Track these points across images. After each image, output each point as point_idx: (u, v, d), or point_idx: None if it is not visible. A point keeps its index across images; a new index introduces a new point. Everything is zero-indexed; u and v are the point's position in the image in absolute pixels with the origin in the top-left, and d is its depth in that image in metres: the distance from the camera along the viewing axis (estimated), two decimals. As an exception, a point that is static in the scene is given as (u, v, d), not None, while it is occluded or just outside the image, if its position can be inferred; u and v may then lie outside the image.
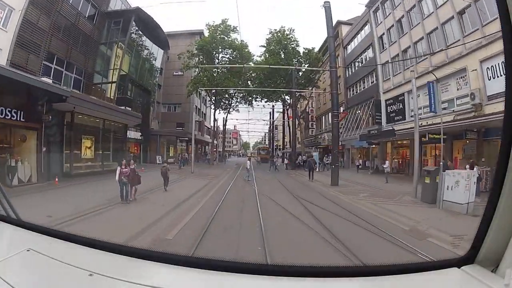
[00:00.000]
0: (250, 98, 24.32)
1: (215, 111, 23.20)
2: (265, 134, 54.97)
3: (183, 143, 23.44)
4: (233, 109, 28.10)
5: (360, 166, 15.48)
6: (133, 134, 17.13)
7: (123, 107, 13.17)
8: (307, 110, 26.57)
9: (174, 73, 22.86)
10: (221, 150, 35.83)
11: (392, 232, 3.82)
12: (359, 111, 17.24)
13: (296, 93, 19.22)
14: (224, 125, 28.92)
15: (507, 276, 0.59)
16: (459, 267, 0.66)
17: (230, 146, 74.85)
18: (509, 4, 0.60)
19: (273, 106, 34.26)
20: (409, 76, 11.36)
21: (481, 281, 0.61)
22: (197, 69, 19.06)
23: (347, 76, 19.44)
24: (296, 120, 20.92)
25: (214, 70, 19.25)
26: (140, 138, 18.04)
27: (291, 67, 17.92)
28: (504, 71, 0.62)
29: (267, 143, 46.43)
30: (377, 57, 15.27)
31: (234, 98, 24.84)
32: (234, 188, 8.72)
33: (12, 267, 0.68)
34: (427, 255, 2.86)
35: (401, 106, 12.94)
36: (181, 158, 17.77)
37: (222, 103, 24.28)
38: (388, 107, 13.95)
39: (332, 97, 11.66)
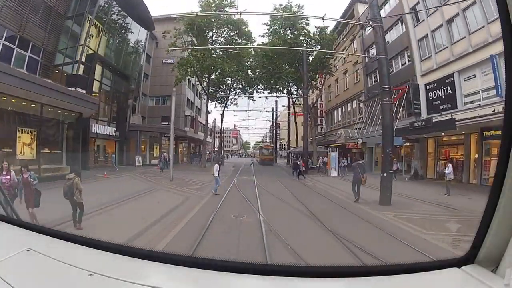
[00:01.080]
0: (250, 89, 24.84)
1: (207, 101, 23.43)
2: (265, 134, 56.69)
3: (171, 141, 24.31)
4: (231, 102, 28.62)
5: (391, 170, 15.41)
6: (104, 129, 17.25)
7: (73, 89, 12.03)
8: (316, 105, 26.97)
9: (164, 61, 23.32)
10: (219, 149, 36.65)
11: None
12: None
13: (309, 80, 19.39)
14: (221, 120, 29.53)
15: (507, 276, 0.74)
16: (459, 267, 0.82)
17: (229, 146, 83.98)
18: (509, 4, 0.76)
19: (276, 101, 36.04)
20: (460, 50, 10.81)
21: (481, 281, 0.76)
22: (187, 52, 19.26)
23: (366, 60, 19.61)
24: (307, 112, 21.10)
25: (207, 51, 19.47)
26: (115, 134, 18.29)
27: (301, 48, 18.14)
28: (504, 71, 0.79)
29: (268, 141, 46.90)
30: (411, 32, 15.16)
31: (232, 90, 25.32)
32: (226, 217, 6.07)
33: (12, 267, 0.85)
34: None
35: (449, 91, 12.36)
36: (163, 158, 17.99)
37: (217, 95, 24.73)
38: (430, 93, 13.58)
39: (379, 64, 9.48)
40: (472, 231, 0.85)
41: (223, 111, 28.57)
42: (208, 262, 0.91)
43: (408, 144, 14.98)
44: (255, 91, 25.21)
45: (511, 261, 0.77)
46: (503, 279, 0.75)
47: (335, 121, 25.89)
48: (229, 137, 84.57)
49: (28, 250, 0.89)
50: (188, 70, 19.56)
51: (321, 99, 26.55)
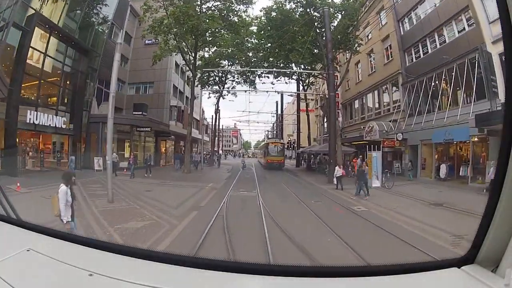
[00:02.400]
0: (252, 75, 25.97)
1: (193, 81, 23.69)
2: (267, 133, 59.34)
3: (150, 137, 24.88)
4: (228, 91, 29.94)
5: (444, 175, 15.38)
6: (48, 119, 17.15)
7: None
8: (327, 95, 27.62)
9: (147, 41, 24.34)
10: (217, 149, 38.37)
11: None
12: (435, 82, 17.44)
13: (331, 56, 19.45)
14: (216, 113, 30.31)
15: (507, 276, 1.01)
16: (459, 267, 1.12)
17: (230, 145, 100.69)
18: (509, 4, 1.03)
19: (282, 95, 37.89)
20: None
21: (481, 281, 1.04)
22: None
23: (401, 33, 20.03)
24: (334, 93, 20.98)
25: (190, 8, 19.50)
26: (68, 127, 18.62)
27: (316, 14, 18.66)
28: (504, 71, 1.05)
29: (269, 137, 47.58)
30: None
31: (228, 76, 26.65)
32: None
33: (12, 267, 1.15)
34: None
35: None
36: (132, 160, 18.39)
37: (210, 78, 25.87)
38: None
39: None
40: (472, 231, 1.14)
41: (218, 101, 29.44)
42: (208, 262, 1.23)
43: (477, 139, 14.40)
44: (257, 76, 26.35)
45: (511, 261, 1.03)
46: (503, 279, 1.00)
47: (358, 114, 26.55)
48: (229, 136, 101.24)
49: (28, 250, 1.21)
50: (162, 32, 19.63)
51: (336, 86, 27.12)
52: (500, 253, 1.07)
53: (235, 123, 68.91)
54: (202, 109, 41.39)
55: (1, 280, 1.05)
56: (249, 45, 24.10)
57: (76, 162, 18.47)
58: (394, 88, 21.26)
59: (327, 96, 28.05)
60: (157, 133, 25.85)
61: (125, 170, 18.48)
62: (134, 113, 23.32)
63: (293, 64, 24.68)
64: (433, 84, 17.52)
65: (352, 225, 8.39)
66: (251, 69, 24.83)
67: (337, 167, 15.42)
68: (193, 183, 16.11)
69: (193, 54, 21.84)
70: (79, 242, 1.32)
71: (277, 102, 41.52)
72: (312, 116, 36.37)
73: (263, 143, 43.61)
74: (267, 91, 27.74)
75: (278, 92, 33.52)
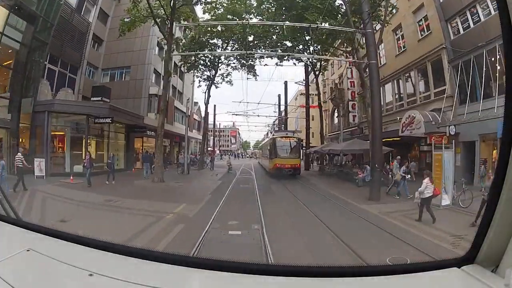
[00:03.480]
0: (250, 58, 26.60)
1: (168, 52, 23.05)
2: (267, 132, 58.97)
3: (120, 133, 24.80)
4: (223, 78, 30.84)
5: None
6: None
7: None
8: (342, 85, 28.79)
9: (126, 19, 24.45)
10: (212, 148, 39.34)
11: None
12: (493, 58, 16.65)
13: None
14: (206, 103, 30.76)
15: (507, 276, 1.32)
16: (459, 267, 1.47)
17: (228, 145, 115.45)
18: (509, 4, 1.34)
19: (285, 84, 39.58)
20: None
21: (481, 281, 1.37)
22: None
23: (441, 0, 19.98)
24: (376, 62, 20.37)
25: None
26: (6, 119, 18.20)
27: None
28: (504, 71, 1.37)
29: (276, 130, 48.20)
30: None
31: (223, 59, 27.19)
32: None
33: (12, 267, 1.51)
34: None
35: None
36: (87, 163, 17.82)
37: (199, 62, 26.44)
38: None
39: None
40: (472, 231, 1.46)
41: (209, 89, 29.77)
42: (208, 262, 1.60)
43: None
44: (257, 59, 26.90)
45: (511, 261, 1.36)
46: (503, 279, 1.33)
47: (383, 103, 26.31)
48: (227, 136, 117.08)
49: (28, 250, 1.59)
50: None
51: (351, 75, 27.37)
52: (500, 253, 1.39)
53: (233, 122, 72.86)
54: (199, 109, 42.04)
55: (1, 280, 1.37)
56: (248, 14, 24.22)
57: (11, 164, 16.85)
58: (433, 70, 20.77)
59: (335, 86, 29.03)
60: (130, 128, 25.78)
61: (71, 178, 17.70)
62: (92, 99, 23.00)
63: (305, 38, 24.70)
64: (491, 59, 16.44)
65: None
66: (249, 53, 24.83)
67: (425, 181, 10.88)
68: (153, 204, 13.37)
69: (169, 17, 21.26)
70: (79, 242, 1.70)
71: (279, 96, 43.05)
72: (315, 112, 37.06)
73: (267, 139, 38.46)
74: (269, 80, 28.31)
75: (282, 83, 34.47)
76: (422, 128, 18.08)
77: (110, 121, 21.88)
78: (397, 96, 25.20)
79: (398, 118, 21.35)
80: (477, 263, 1.45)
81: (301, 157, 28.38)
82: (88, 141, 22.09)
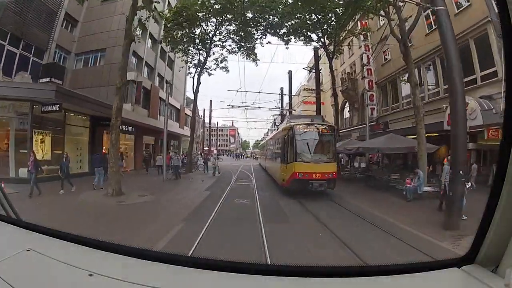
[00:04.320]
0: (249, 41, 27.13)
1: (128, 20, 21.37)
2: (267, 129, 59.92)
3: (82, 126, 22.76)
4: (217, 64, 31.11)
5: None
6: None
7: None
8: (354, 74, 28.93)
9: None
10: (208, 148, 39.44)
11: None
12: None
13: None
14: (196, 92, 30.35)
15: (507, 276, 1.45)
16: (459, 267, 1.60)
17: (227, 145, 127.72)
18: (509, 4, 1.50)
19: (290, 74, 41.02)
20: None
21: (481, 281, 1.49)
22: None
23: None
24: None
25: None
26: None
27: None
28: (504, 71, 1.62)
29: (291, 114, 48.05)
30: None
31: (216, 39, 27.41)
32: None
33: (12, 267, 1.64)
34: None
35: None
36: (32, 166, 15.80)
37: (187, 42, 26.69)
38: None
39: None
40: (472, 231, 1.71)
41: (200, 74, 29.51)
42: (208, 262, 1.72)
43: None
44: (258, 40, 27.50)
45: (511, 261, 1.49)
46: (503, 279, 1.47)
47: (398, 100, 27.06)
48: (226, 135, 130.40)
49: (28, 250, 1.72)
50: None
51: (368, 62, 28.00)
52: (500, 253, 1.55)
53: (232, 121, 75.27)
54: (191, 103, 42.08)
55: (1, 280, 1.51)
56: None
57: None
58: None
59: (347, 76, 28.99)
60: (96, 120, 24.05)
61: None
62: (41, 81, 21.08)
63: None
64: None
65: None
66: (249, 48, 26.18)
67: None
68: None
69: None
70: (79, 242, 1.84)
71: (282, 89, 45.09)
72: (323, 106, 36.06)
73: (275, 132, 29.02)
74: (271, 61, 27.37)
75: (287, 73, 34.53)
76: (479, 118, 16.15)
77: (58, 109, 19.23)
78: (434, 82, 23.51)
79: (444, 106, 18.55)
80: (477, 263, 1.62)
81: (338, 160, 22.76)
82: (38, 137, 19.82)
